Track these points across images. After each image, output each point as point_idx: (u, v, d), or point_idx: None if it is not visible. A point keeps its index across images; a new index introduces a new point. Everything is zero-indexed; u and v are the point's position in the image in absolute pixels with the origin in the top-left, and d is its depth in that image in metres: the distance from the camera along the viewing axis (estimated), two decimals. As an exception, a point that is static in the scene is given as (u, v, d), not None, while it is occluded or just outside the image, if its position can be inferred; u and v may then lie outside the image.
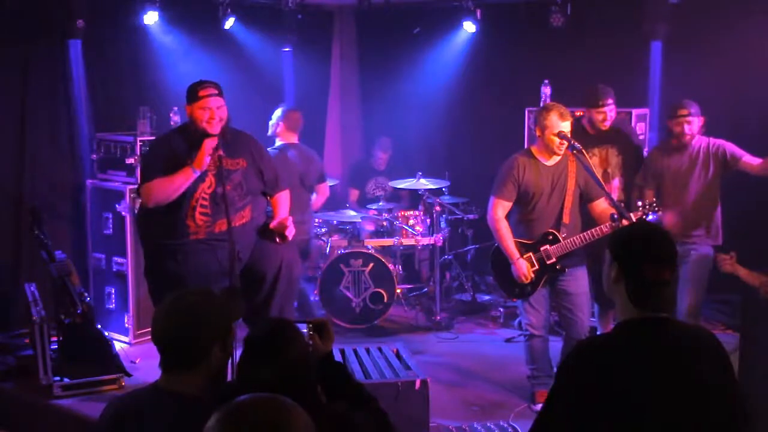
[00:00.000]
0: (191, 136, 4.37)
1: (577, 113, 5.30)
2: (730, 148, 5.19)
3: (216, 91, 4.34)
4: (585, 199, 4.76)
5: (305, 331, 2.60)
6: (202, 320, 2.34)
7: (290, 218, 4.52)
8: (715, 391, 2.24)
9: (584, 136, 5.21)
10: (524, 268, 4.66)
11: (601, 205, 4.70)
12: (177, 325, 2.33)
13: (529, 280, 4.68)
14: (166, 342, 2.35)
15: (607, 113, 5.24)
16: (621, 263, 2.35)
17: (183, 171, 4.24)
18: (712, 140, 5.24)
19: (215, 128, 4.31)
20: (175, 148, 4.37)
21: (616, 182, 5.39)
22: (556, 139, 4.58)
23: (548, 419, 2.28)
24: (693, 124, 5.17)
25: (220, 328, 2.38)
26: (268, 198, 4.67)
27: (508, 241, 4.71)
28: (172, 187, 4.25)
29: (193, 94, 4.34)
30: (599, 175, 5.11)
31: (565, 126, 4.59)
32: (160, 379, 2.37)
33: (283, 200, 4.68)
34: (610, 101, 5.24)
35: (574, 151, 4.58)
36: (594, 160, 5.21)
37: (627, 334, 2.30)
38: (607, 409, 2.17)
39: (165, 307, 2.39)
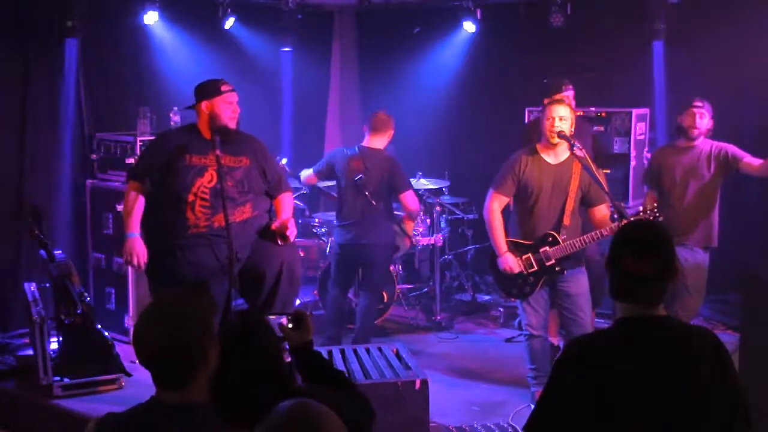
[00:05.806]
0: (199, 135, 4.43)
1: (579, 113, 5.30)
2: (732, 149, 5.20)
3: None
4: (586, 204, 4.70)
5: (284, 322, 2.68)
6: (192, 326, 2.16)
7: (292, 219, 4.55)
8: (713, 390, 2.21)
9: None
10: (510, 261, 4.65)
11: (602, 212, 4.64)
12: (169, 340, 2.13)
13: (516, 272, 4.65)
14: (161, 361, 2.15)
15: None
16: (609, 255, 2.32)
17: (128, 224, 4.42)
18: (716, 143, 5.25)
19: (233, 123, 4.42)
20: (175, 147, 4.40)
21: None
22: (549, 122, 4.57)
23: (543, 415, 2.26)
24: (704, 118, 5.18)
25: (207, 326, 2.22)
26: (272, 199, 4.69)
27: (498, 234, 4.72)
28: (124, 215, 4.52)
29: (213, 89, 4.42)
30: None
31: (562, 110, 4.60)
32: (162, 395, 2.18)
33: (285, 202, 4.72)
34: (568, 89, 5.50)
35: (573, 150, 4.57)
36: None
37: (623, 331, 2.26)
38: (601, 407, 2.15)
39: (147, 323, 2.17)
